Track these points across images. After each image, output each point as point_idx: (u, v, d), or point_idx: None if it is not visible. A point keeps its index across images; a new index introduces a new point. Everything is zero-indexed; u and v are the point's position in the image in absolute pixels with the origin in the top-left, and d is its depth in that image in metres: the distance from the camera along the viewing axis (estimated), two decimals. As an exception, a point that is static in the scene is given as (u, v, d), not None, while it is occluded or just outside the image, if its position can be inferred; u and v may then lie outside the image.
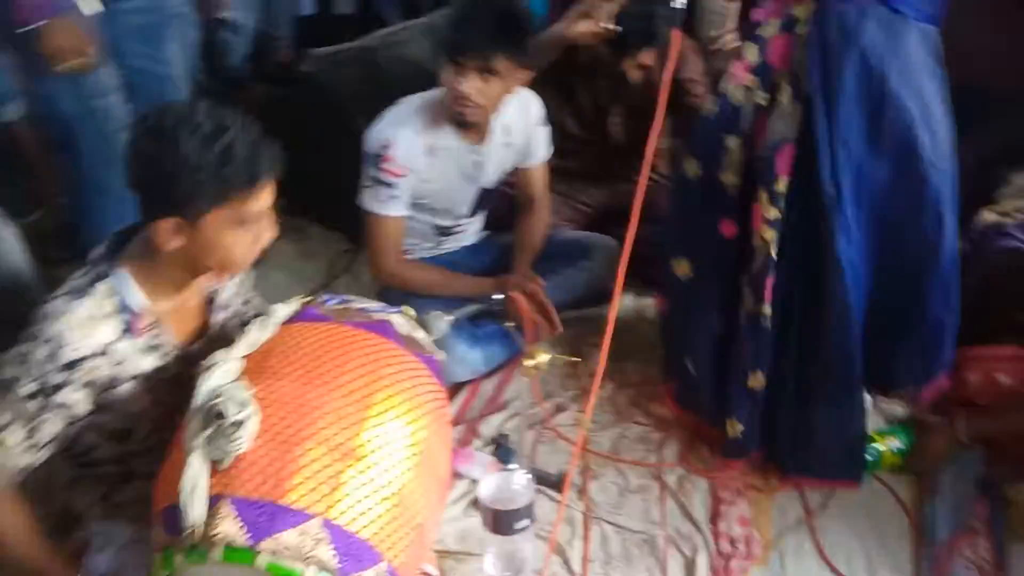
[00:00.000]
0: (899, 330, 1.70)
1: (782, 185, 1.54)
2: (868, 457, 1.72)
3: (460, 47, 1.76)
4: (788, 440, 1.70)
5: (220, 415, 1.11)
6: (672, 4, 1.66)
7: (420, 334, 1.46)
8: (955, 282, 1.69)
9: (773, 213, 1.55)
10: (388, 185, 1.87)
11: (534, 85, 2.04)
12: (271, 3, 3.08)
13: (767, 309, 1.59)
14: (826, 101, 1.51)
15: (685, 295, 1.78)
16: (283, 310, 1.37)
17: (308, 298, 1.44)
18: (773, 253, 1.56)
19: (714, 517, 1.67)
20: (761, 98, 1.58)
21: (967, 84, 1.67)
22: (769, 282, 1.58)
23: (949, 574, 1.56)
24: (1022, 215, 2.04)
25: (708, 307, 1.73)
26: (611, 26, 2.07)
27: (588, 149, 2.43)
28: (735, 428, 1.69)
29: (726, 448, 1.74)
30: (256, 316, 1.36)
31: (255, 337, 1.29)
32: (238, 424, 1.11)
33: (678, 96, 2.16)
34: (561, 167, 2.41)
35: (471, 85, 1.77)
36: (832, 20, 1.50)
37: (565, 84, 2.31)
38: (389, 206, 1.89)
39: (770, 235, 1.55)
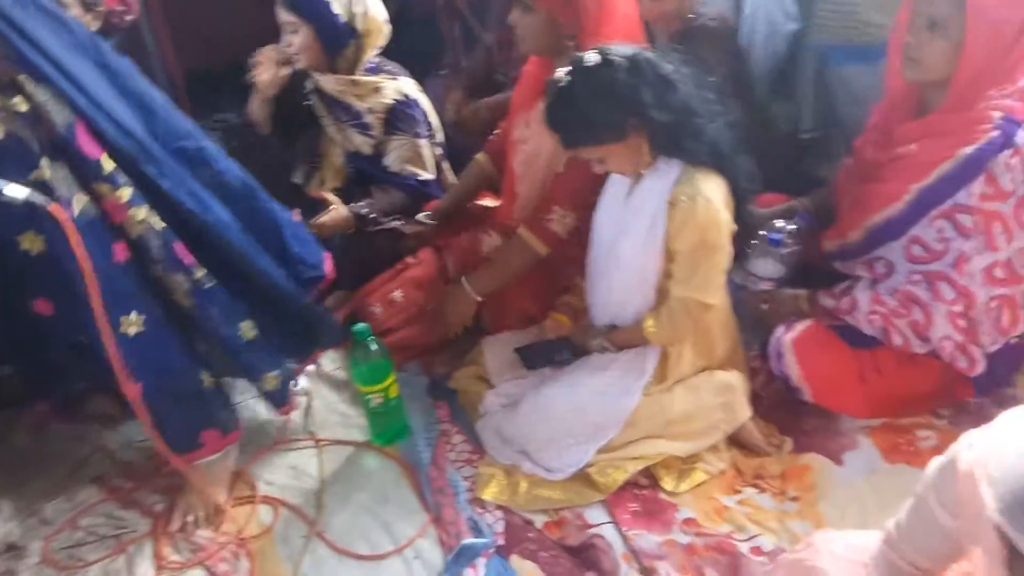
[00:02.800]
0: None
1: (109, 165, 1.40)
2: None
3: None
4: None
5: None
6: None
7: None
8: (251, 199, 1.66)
9: (126, 194, 1.43)
10: None
11: None
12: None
13: (199, 272, 1.51)
14: (51, 64, 1.35)
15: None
16: None
17: None
18: (156, 225, 1.46)
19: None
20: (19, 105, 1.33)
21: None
22: (180, 248, 1.49)
23: (448, 484, 1.59)
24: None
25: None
26: None
27: None
28: (275, 381, 1.66)
29: None
30: None
31: None
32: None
33: None
34: None
35: None
36: None
37: None
38: None
39: (141, 213, 1.45)
